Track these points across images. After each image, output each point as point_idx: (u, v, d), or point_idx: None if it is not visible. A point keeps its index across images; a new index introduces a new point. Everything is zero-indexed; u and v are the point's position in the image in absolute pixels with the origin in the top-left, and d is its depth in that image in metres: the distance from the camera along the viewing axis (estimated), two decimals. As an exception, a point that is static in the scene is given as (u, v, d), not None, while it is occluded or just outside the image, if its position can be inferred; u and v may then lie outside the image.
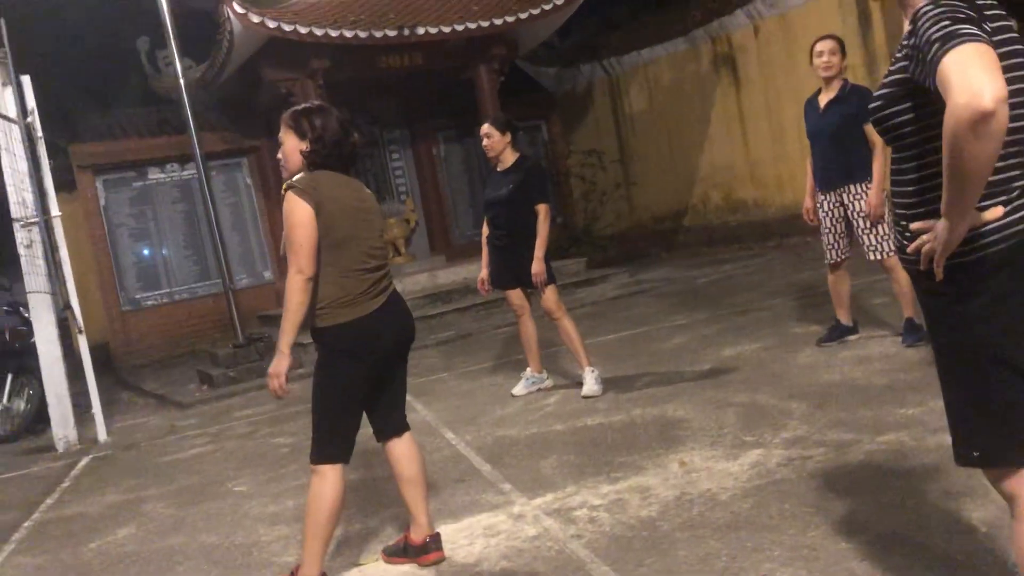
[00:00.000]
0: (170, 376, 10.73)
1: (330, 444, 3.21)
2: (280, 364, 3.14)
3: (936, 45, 1.72)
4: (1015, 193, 1.87)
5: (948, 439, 3.64)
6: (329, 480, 3.17)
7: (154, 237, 13.45)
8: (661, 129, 15.38)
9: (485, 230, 6.09)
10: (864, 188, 5.49)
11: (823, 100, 5.67)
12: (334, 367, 3.22)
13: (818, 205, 5.78)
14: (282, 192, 3.22)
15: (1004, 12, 1.88)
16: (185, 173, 13.38)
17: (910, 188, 2.00)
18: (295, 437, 6.15)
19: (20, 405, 8.28)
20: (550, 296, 5.80)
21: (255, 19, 10.78)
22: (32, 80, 7.37)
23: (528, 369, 6.24)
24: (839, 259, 5.77)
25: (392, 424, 3.47)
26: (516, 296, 6.03)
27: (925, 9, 1.83)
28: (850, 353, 5.60)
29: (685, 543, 3.19)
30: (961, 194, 1.75)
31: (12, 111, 7.21)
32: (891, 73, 1.98)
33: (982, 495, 3.10)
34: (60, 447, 7.24)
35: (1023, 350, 1.88)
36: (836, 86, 5.60)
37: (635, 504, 3.68)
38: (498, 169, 5.93)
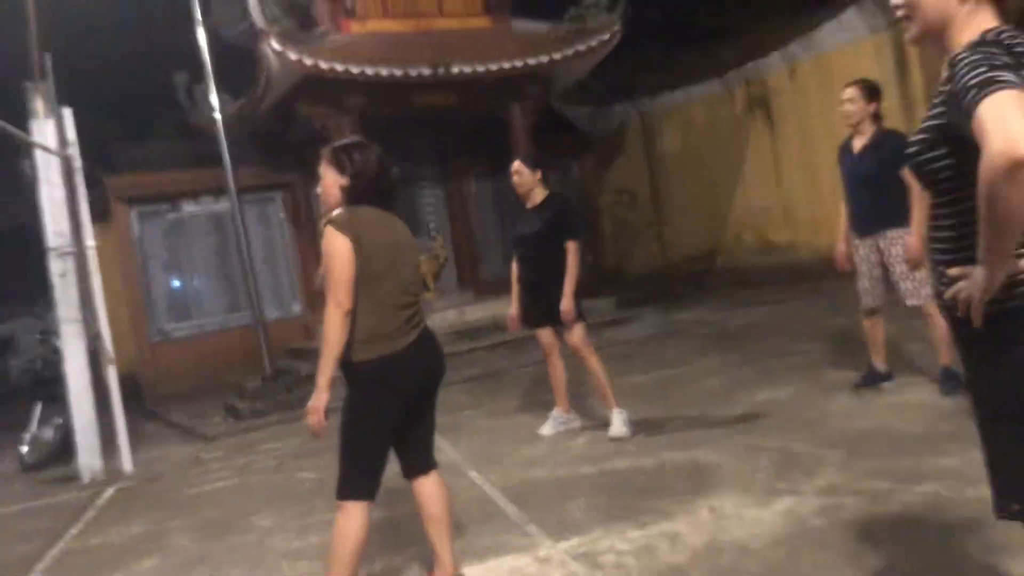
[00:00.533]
0: (197, 408, 10.74)
1: (357, 480, 3.16)
2: (319, 400, 3.10)
3: (973, 91, 1.71)
4: None
5: (987, 491, 3.53)
6: (354, 517, 3.12)
7: (186, 269, 13.58)
8: (694, 169, 15.34)
9: (515, 268, 6.06)
10: (901, 233, 5.39)
11: (857, 145, 5.60)
12: (364, 403, 3.17)
13: (854, 251, 5.69)
14: (321, 227, 3.21)
15: None
16: (219, 206, 13.52)
17: (947, 234, 1.97)
18: (321, 472, 6.09)
19: (48, 434, 8.31)
20: (578, 334, 5.75)
21: (292, 56, 10.92)
22: (72, 112, 7.50)
23: (556, 409, 6.17)
24: (875, 304, 5.66)
25: (420, 461, 3.43)
26: (545, 335, 6.00)
27: (963, 56, 1.81)
28: (885, 400, 5.48)
29: (715, 593, 3.09)
30: (998, 241, 1.73)
31: (52, 143, 7.32)
32: (929, 118, 1.96)
33: (1022, 549, 2.98)
34: (85, 477, 7.24)
35: None
36: (868, 131, 5.52)
37: (664, 550, 3.58)
38: (528, 207, 5.94)
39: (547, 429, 6.11)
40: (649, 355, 9.30)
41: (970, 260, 1.85)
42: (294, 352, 12.51)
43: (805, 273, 13.05)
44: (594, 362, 5.79)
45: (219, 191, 12.53)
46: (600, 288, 14.92)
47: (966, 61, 1.78)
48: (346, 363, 3.16)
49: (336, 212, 3.23)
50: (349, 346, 3.13)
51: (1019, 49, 1.82)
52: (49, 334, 8.76)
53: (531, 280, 5.90)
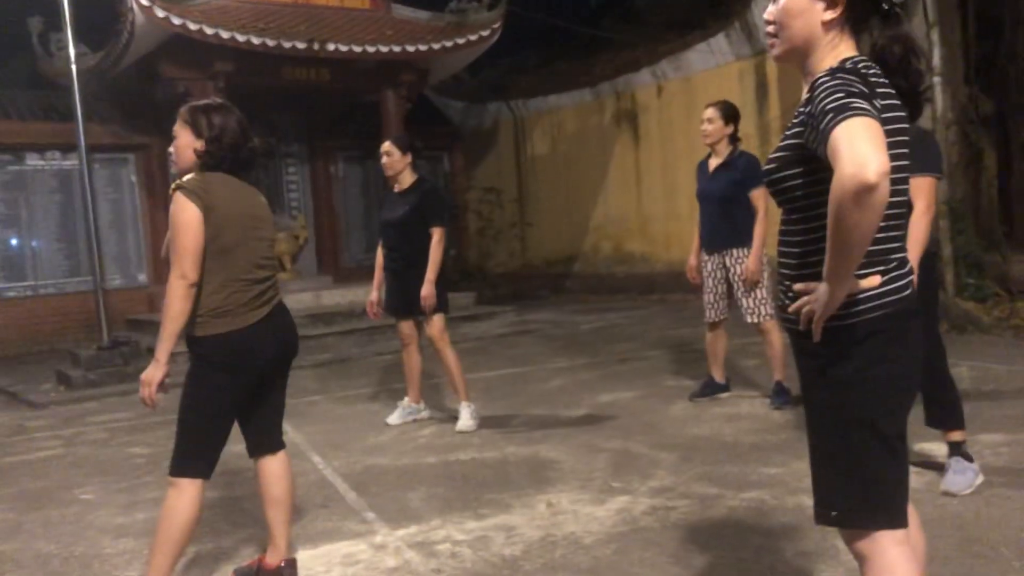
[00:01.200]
0: (26, 373, 10.11)
1: (193, 457, 3.03)
2: (155, 372, 2.97)
3: (829, 115, 1.78)
4: (892, 264, 1.95)
5: (807, 500, 3.73)
6: (187, 494, 2.99)
7: (24, 226, 12.71)
8: (560, 174, 15.63)
9: (380, 253, 5.97)
10: (745, 253, 5.68)
11: (712, 164, 5.85)
12: (207, 378, 3.05)
13: (702, 265, 5.94)
14: (170, 191, 3.05)
15: (894, 92, 1.97)
16: (67, 163, 12.73)
17: (796, 250, 2.05)
18: (153, 448, 5.86)
19: None
20: (437, 325, 5.72)
21: (160, 13, 10.45)
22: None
23: (406, 399, 6.15)
24: (718, 319, 5.93)
25: (267, 441, 3.31)
26: (406, 325, 5.93)
27: (823, 80, 1.89)
28: (721, 410, 5.76)
29: (545, 585, 3.17)
30: (843, 259, 1.81)
31: None
32: (786, 137, 2.03)
33: (833, 556, 3.20)
34: None
35: (890, 417, 1.95)
36: (724, 151, 5.77)
37: (499, 542, 3.64)
38: (395, 190, 5.83)
39: (395, 418, 6.06)
40: (502, 352, 9.41)
41: (816, 276, 1.94)
42: (135, 323, 11.96)
43: (656, 284, 13.55)
44: (449, 354, 5.77)
45: (68, 147, 11.81)
46: (461, 283, 14.98)
47: (825, 86, 1.85)
48: (191, 337, 3.04)
49: (188, 177, 3.05)
50: (195, 319, 3.01)
51: (874, 79, 1.92)
52: None
53: (394, 268, 5.80)
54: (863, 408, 1.94)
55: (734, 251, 5.72)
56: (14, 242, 12.66)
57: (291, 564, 3.34)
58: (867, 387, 1.93)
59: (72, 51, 9.49)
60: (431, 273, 5.58)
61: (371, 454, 5.33)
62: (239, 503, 4.43)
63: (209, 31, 10.85)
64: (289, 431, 5.99)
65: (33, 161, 12.74)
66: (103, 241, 11.62)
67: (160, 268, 13.08)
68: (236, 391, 3.09)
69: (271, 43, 11.33)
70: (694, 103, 12.98)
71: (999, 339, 7.80)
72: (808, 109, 1.91)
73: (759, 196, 5.54)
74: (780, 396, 5.59)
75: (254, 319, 3.09)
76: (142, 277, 13.39)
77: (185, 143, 3.12)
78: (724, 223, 5.73)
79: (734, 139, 5.77)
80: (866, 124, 1.75)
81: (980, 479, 3.90)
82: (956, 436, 3.97)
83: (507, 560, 3.44)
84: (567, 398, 6.60)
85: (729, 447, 4.85)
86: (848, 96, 1.79)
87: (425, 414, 6.14)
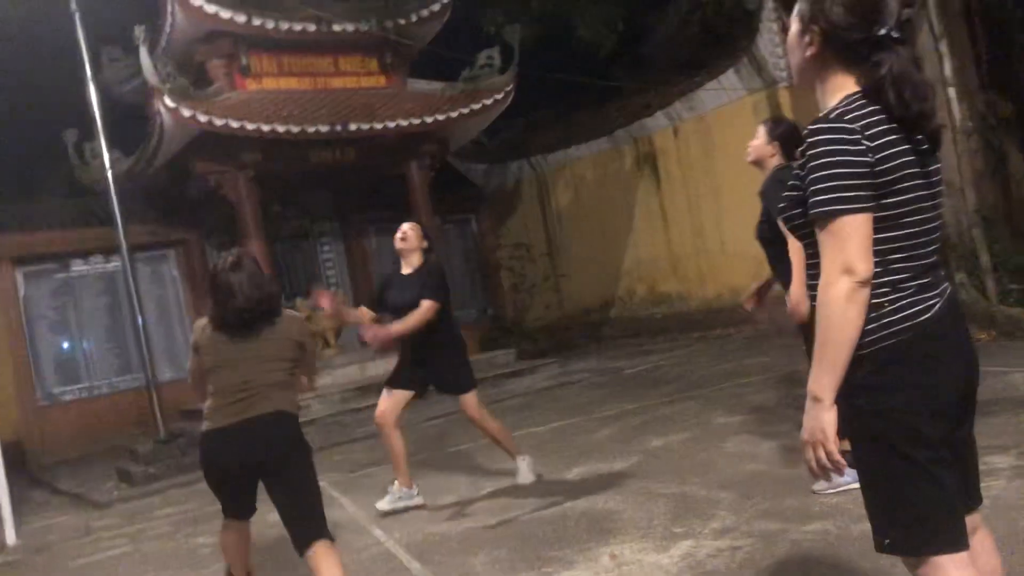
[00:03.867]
0: (88, 474, 10.31)
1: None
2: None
3: (818, 200, 1.86)
4: (899, 291, 1.93)
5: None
6: (225, 533, 3.95)
7: (75, 330, 13.09)
8: (587, 223, 15.77)
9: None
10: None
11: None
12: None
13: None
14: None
15: (893, 127, 1.91)
16: (110, 265, 13.14)
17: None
18: (216, 537, 5.95)
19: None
20: (471, 402, 5.68)
21: (186, 113, 10.83)
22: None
23: (396, 483, 5.82)
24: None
25: (299, 536, 3.59)
26: (384, 402, 5.74)
27: (812, 137, 1.90)
28: (775, 443, 5.72)
29: (617, 637, 3.18)
30: (827, 361, 1.88)
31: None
32: (796, 178, 2.03)
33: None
34: (-35, 551, 6.87)
35: (918, 443, 1.92)
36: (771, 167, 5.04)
37: (567, 599, 3.66)
38: (403, 272, 5.79)
39: (385, 504, 5.74)
40: (548, 405, 9.44)
41: None
42: (188, 413, 12.13)
43: (694, 322, 13.53)
44: (491, 425, 5.77)
45: (110, 250, 12.22)
46: (500, 340, 15.07)
47: (814, 149, 1.88)
48: None
49: (199, 320, 3.89)
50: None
51: (868, 120, 1.89)
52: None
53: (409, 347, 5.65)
54: (888, 435, 1.93)
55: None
56: (66, 346, 13.02)
57: None
58: (889, 415, 1.92)
59: (107, 158, 9.87)
60: (397, 328, 5.44)
61: (431, 522, 5.37)
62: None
63: (235, 124, 11.22)
64: (347, 505, 6.10)
65: (78, 267, 13.17)
66: (151, 337, 11.90)
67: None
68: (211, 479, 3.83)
69: (295, 130, 11.68)
70: (710, 140, 13.12)
71: (1049, 342, 7.69)
72: (804, 162, 1.94)
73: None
74: None
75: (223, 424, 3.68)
76: (191, 368, 13.65)
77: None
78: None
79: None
80: (855, 225, 1.84)
81: None
82: None
83: (577, 616, 3.45)
84: (618, 446, 6.61)
85: (787, 480, 4.82)
86: (835, 177, 1.84)
87: (420, 499, 5.79)
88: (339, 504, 6.12)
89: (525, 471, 5.79)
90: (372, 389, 11.26)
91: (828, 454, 1.92)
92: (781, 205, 2.12)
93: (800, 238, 2.08)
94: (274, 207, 13.45)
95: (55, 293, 13.00)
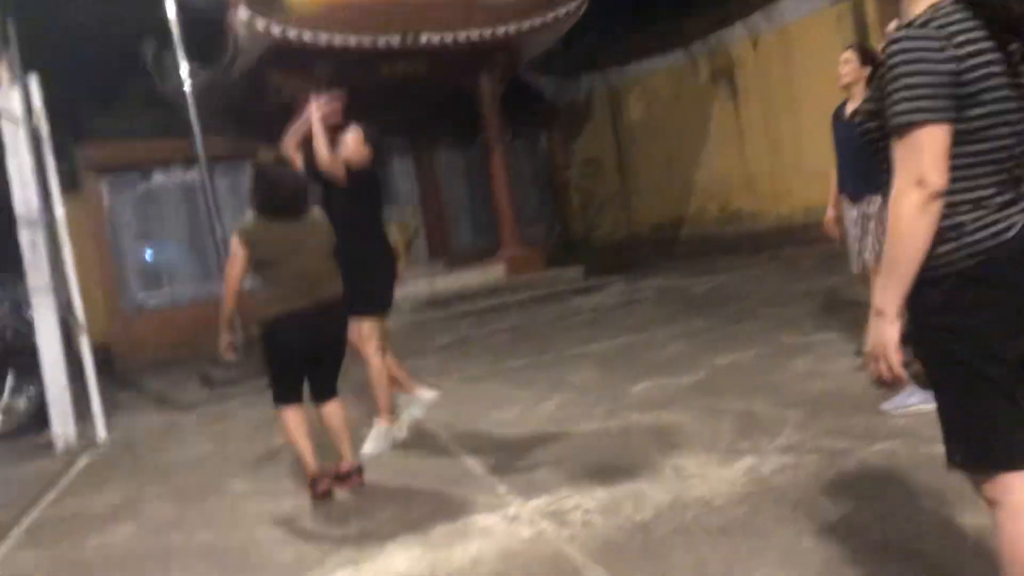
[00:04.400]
0: (171, 377, 10.77)
1: (278, 395, 4.53)
2: (224, 338, 4.58)
3: (897, 110, 1.83)
4: (974, 210, 1.89)
5: (941, 448, 3.70)
6: (288, 416, 4.48)
7: (158, 238, 13.51)
8: (660, 139, 15.48)
9: None
10: (875, 199, 5.28)
11: (849, 109, 5.51)
12: (264, 345, 4.55)
13: (845, 215, 5.51)
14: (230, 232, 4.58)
15: (983, 35, 1.84)
16: (189, 176, 13.44)
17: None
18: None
19: (21, 403, 8.32)
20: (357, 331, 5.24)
21: (260, 26, 10.85)
22: (39, 80, 7.44)
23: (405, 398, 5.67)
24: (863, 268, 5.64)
25: (323, 393, 4.59)
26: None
27: (897, 45, 1.85)
28: (845, 363, 5.66)
29: (679, 548, 3.24)
30: (896, 272, 1.87)
31: (18, 110, 7.27)
32: (876, 89, 1.98)
33: (974, 502, 3.14)
34: (60, 445, 7.28)
35: (993, 361, 1.90)
36: (859, 94, 5.29)
37: (629, 508, 3.73)
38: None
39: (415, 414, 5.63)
40: (615, 323, 9.47)
41: None
42: (265, 322, 12.52)
43: (766, 242, 13.31)
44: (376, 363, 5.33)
45: (189, 160, 12.45)
46: (567, 258, 15.07)
47: (895, 61, 1.83)
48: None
49: (243, 221, 4.43)
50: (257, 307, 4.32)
51: (956, 28, 1.82)
52: (19, 304, 8.74)
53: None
54: (964, 353, 1.91)
55: (871, 197, 5.38)
56: (149, 253, 13.46)
57: (357, 468, 4.56)
58: (964, 333, 1.90)
59: (184, 69, 9.99)
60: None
61: (497, 429, 5.50)
62: (379, 488, 4.67)
63: (308, 37, 11.20)
64: (417, 412, 6.24)
65: (159, 177, 13.51)
66: (229, 245, 12.21)
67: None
68: (281, 355, 4.46)
69: (367, 42, 11.61)
70: (791, 54, 12.64)
71: None
72: (882, 73, 1.89)
73: None
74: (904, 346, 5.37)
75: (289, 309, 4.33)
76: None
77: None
78: (866, 169, 5.32)
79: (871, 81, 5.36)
80: (931, 136, 1.80)
81: None
82: None
83: (638, 525, 3.52)
84: (685, 362, 6.62)
85: (856, 400, 4.78)
86: (914, 86, 1.80)
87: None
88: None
89: (378, 438, 5.40)
90: (440, 302, 11.46)
91: (890, 367, 1.91)
92: (859, 119, 2.07)
93: (874, 152, 2.04)
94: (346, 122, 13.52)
95: (139, 203, 13.39)
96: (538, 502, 4.00)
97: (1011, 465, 1.94)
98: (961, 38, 1.83)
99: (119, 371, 12.34)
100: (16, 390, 8.33)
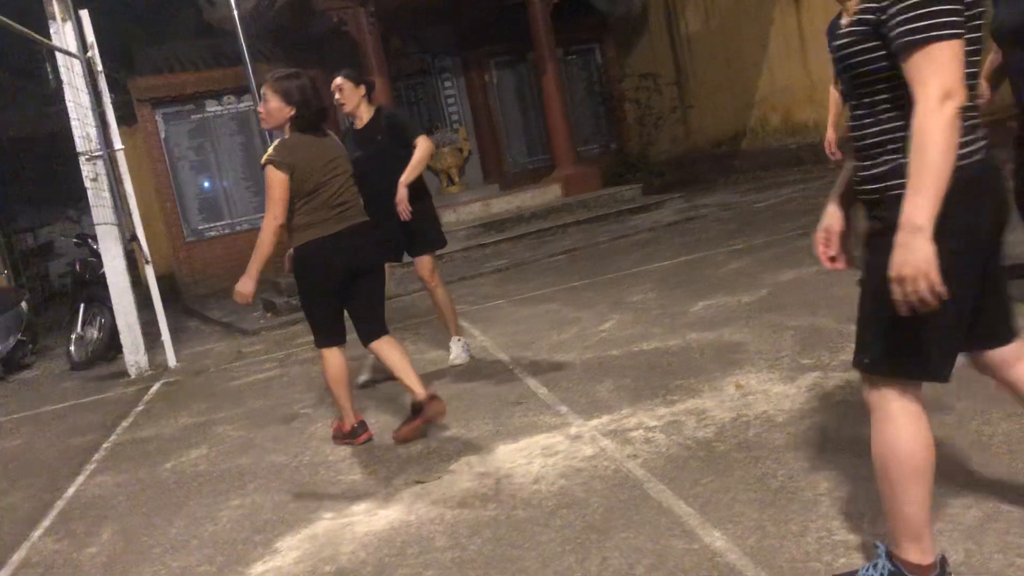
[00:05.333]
0: (235, 304, 10.98)
1: (320, 335, 4.32)
2: (245, 285, 4.21)
3: (919, 26, 1.81)
4: (967, 126, 1.92)
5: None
6: (329, 357, 4.30)
7: (214, 169, 13.65)
8: (718, 50, 14.99)
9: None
10: None
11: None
12: (303, 277, 4.30)
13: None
14: (262, 162, 4.08)
15: None
16: (242, 105, 13.49)
17: (884, 137, 2.01)
18: (355, 361, 6.30)
19: (93, 333, 8.61)
20: (426, 263, 5.46)
21: (305, -53, 10.70)
22: (90, 15, 7.46)
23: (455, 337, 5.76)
24: None
25: (373, 329, 4.34)
26: (424, 263, 5.51)
27: None
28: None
29: (741, 464, 3.23)
30: (930, 184, 1.81)
31: (73, 46, 7.32)
32: (865, 11, 1.97)
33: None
34: (132, 373, 7.54)
35: (954, 278, 1.89)
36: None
37: (691, 426, 3.73)
38: (356, 127, 5.42)
39: (460, 356, 5.69)
40: (674, 240, 9.35)
41: (893, 166, 1.97)
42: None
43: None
44: (442, 293, 5.57)
45: (241, 89, 12.50)
46: (625, 175, 14.86)
47: None
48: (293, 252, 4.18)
49: (274, 147, 4.04)
50: (290, 237, 4.14)
51: None
52: (86, 237, 8.96)
53: (384, 210, 5.14)
54: (943, 257, 1.88)
55: None
56: (207, 184, 13.64)
57: (433, 395, 4.25)
58: (949, 239, 1.86)
59: (232, -3, 9.92)
60: (406, 175, 5.18)
61: (556, 351, 5.51)
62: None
63: (353, -44, 11.02)
64: (477, 334, 6.31)
65: (212, 107, 13.57)
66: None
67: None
68: (323, 286, 4.22)
69: (414, -43, 11.39)
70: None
71: None
72: None
73: None
74: None
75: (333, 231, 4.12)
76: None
77: (276, 107, 4.06)
78: None
79: None
80: (955, 50, 1.82)
81: None
82: None
83: (701, 442, 3.52)
84: (747, 280, 6.51)
85: (923, 314, 4.66)
86: (936, 2, 1.81)
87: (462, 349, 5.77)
88: (469, 333, 6.32)
89: (458, 351, 5.67)
90: (495, 225, 11.44)
91: (933, 285, 1.83)
92: (845, 49, 2.05)
93: (866, 84, 2.02)
94: (395, 43, 13.34)
95: (193, 133, 13.51)
96: (599, 421, 4.02)
97: (925, 375, 2.07)
98: None
99: (185, 299, 12.65)
100: (87, 321, 8.61)
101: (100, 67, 7.49)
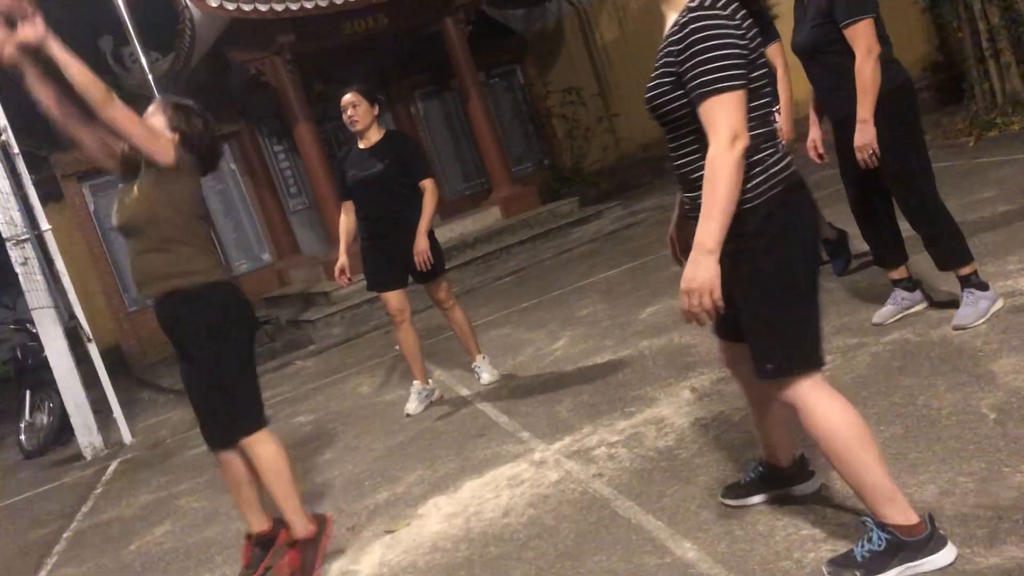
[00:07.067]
0: (185, 370, 10.79)
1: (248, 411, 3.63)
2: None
3: (708, 79, 2.09)
4: (769, 153, 2.25)
5: (951, 332, 3.69)
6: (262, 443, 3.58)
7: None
8: (637, 56, 15.19)
9: (344, 218, 5.32)
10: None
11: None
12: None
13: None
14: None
15: (742, 10, 2.18)
16: (168, 167, 13.30)
17: (699, 172, 2.23)
18: (315, 415, 6.24)
19: (42, 419, 8.38)
20: (443, 286, 5.35)
21: (213, 3, 10.64)
22: (2, 95, 7.31)
23: (416, 382, 5.46)
24: None
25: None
26: (397, 297, 5.31)
27: (696, 17, 2.13)
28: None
29: (704, 469, 3.26)
30: (718, 212, 2.09)
31: (-15, 131, 7.17)
32: (663, 58, 2.27)
33: (989, 381, 3.15)
34: (88, 455, 7.35)
35: (812, 271, 2.33)
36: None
37: (651, 436, 3.75)
38: (361, 147, 5.26)
39: (414, 406, 5.39)
40: (616, 249, 9.43)
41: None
42: (271, 300, 12.54)
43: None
44: (460, 313, 5.45)
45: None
46: (560, 190, 14.96)
47: (699, 26, 2.11)
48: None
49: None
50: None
51: (738, 15, 2.16)
52: (23, 322, 8.75)
53: (382, 232, 5.18)
54: (793, 264, 2.26)
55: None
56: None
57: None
58: (789, 248, 2.24)
59: (145, 61, 9.83)
60: (424, 225, 5.07)
61: (513, 376, 5.51)
62: (402, 449, 4.69)
63: (263, 7, 10.98)
64: (431, 367, 6.27)
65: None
66: (221, 231, 12.17)
67: (281, 244, 13.63)
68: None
69: (324, 3, 11.38)
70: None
71: None
72: (679, 41, 2.17)
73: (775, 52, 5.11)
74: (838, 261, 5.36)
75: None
76: (266, 256, 13.98)
77: (159, 125, 3.44)
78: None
79: None
80: (738, 100, 2.10)
81: (999, 304, 3.82)
82: (964, 271, 3.85)
83: (663, 452, 3.54)
84: (690, 281, 6.56)
85: (862, 296, 4.77)
86: (723, 58, 2.09)
87: (437, 393, 5.56)
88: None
89: (487, 370, 5.55)
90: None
91: (716, 300, 2.12)
92: (651, 88, 2.33)
93: (676, 127, 2.29)
94: (316, 87, 13.30)
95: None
96: (562, 443, 4.02)
97: (820, 363, 2.32)
98: (738, 14, 2.16)
99: (134, 370, 12.40)
100: (35, 407, 8.39)
101: (16, 149, 7.34)
